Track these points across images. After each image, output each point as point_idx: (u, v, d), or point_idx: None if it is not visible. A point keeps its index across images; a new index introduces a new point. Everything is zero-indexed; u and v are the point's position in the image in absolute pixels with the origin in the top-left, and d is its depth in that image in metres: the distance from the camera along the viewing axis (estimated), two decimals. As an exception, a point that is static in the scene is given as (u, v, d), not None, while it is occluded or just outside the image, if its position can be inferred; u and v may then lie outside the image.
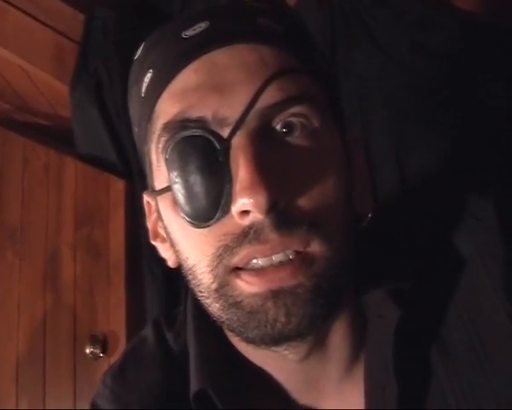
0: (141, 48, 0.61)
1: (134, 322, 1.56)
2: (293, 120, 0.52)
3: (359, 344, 0.63)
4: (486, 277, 0.58)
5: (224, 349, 0.63)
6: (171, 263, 0.63)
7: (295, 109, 0.52)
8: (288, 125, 0.52)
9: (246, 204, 0.48)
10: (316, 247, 0.51)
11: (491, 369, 0.56)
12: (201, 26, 0.55)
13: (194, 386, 0.60)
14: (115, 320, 1.56)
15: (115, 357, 1.50)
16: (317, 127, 0.53)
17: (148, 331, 0.71)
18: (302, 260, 0.51)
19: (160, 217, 0.60)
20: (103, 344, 1.55)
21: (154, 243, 0.66)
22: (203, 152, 0.51)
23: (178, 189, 0.52)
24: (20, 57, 1.65)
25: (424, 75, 1.15)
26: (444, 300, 0.61)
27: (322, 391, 0.62)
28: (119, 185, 1.62)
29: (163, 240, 0.63)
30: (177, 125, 0.52)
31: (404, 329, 0.58)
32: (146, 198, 0.66)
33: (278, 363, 0.61)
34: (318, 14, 1.32)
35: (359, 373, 0.62)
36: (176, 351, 0.67)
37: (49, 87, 1.79)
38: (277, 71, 0.52)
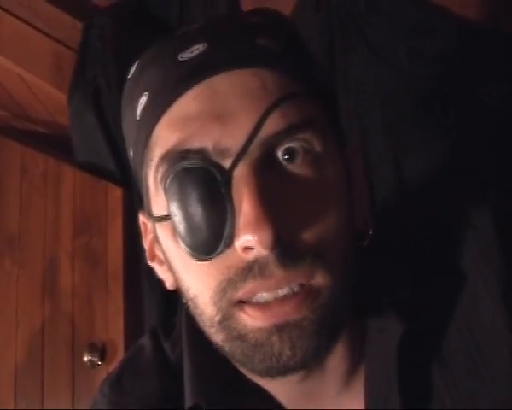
0: (134, 67, 0.60)
1: (132, 330, 1.55)
2: (295, 145, 0.50)
3: (358, 357, 0.62)
4: (484, 285, 0.58)
5: (219, 364, 0.62)
6: (169, 285, 0.61)
7: (298, 137, 0.50)
8: (290, 151, 0.50)
9: (250, 241, 0.47)
10: (320, 278, 0.50)
11: (488, 376, 0.56)
12: (199, 48, 0.53)
13: (188, 401, 0.60)
14: (113, 328, 1.56)
15: (113, 365, 1.49)
16: (319, 152, 0.52)
17: (145, 341, 0.71)
18: (307, 292, 0.50)
19: (157, 240, 0.58)
20: (101, 352, 1.55)
21: (150, 264, 0.65)
22: (204, 183, 0.49)
23: (179, 220, 0.51)
24: (19, 65, 1.65)
25: (421, 79, 1.15)
26: (442, 310, 0.60)
27: (321, 406, 0.62)
28: (116, 193, 1.62)
29: (161, 262, 0.61)
30: (177, 155, 0.50)
31: (405, 341, 0.57)
32: (142, 218, 0.65)
33: (277, 382, 0.60)
34: (316, 16, 1.32)
35: (358, 386, 0.62)
36: (173, 361, 0.66)
37: (48, 95, 1.79)
38: (279, 97, 0.50)
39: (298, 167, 0.51)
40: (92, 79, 1.56)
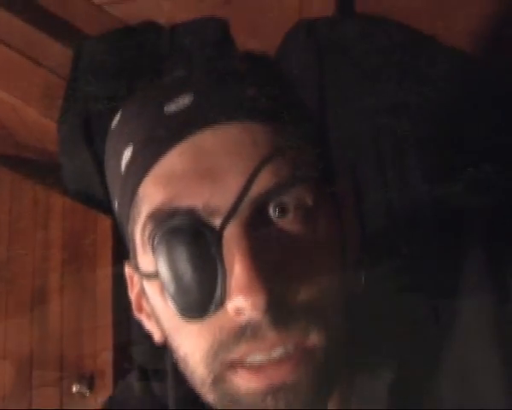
0: (118, 116, 0.58)
1: (121, 361, 1.54)
2: (287, 201, 0.49)
3: (347, 394, 0.61)
4: (478, 326, 0.57)
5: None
6: (157, 339, 0.60)
7: (289, 192, 0.49)
8: (281, 207, 0.49)
9: (242, 304, 0.46)
10: (315, 337, 0.49)
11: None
12: (185, 99, 0.51)
13: None
14: (102, 359, 1.54)
15: (102, 396, 1.48)
16: (311, 207, 0.50)
17: (133, 379, 0.69)
18: (302, 353, 0.48)
19: (144, 294, 0.57)
20: (90, 383, 1.53)
21: (137, 316, 0.63)
22: (193, 244, 0.48)
23: (168, 281, 0.49)
24: (8, 93, 1.65)
25: (413, 105, 1.15)
26: (434, 351, 0.59)
27: None
28: (106, 222, 1.61)
29: (148, 316, 0.60)
30: (165, 214, 0.49)
31: (396, 382, 0.56)
32: (128, 269, 0.63)
33: None
34: (308, 40, 1.32)
35: None
36: (161, 400, 0.65)
37: (38, 123, 1.79)
38: (269, 153, 0.49)
39: (290, 223, 0.50)
40: (83, 107, 1.56)
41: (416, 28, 1.22)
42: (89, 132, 1.55)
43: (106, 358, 1.54)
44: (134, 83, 0.60)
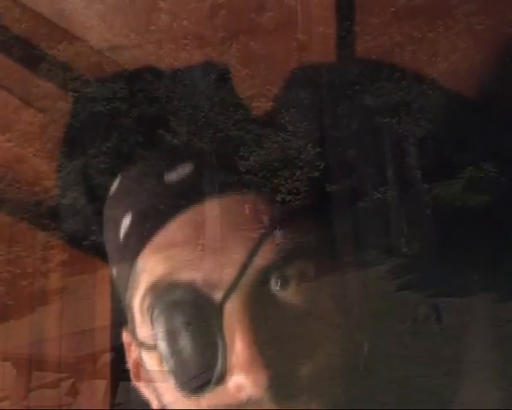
0: (117, 182, 0.58)
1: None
2: (289, 273, 0.49)
3: None
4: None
5: None
6: (155, 406, 0.59)
7: (291, 264, 0.49)
8: (283, 279, 0.49)
9: (243, 381, 0.45)
10: None
11: None
12: (185, 169, 0.51)
13: None
14: (100, 403, 1.52)
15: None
16: (312, 278, 0.50)
17: None
18: None
19: (142, 363, 0.56)
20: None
21: (135, 382, 0.62)
22: (193, 317, 0.48)
23: (167, 355, 0.49)
24: (5, 135, 1.65)
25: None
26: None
27: None
28: (105, 265, 1.60)
29: (146, 383, 0.59)
30: (165, 287, 0.49)
31: None
32: (125, 336, 0.63)
33: None
34: (307, 90, 1.32)
35: None
36: None
37: (36, 167, 1.79)
38: (271, 224, 0.49)
39: (292, 295, 0.49)
40: (81, 152, 1.56)
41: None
42: (88, 178, 1.55)
43: (104, 402, 1.52)
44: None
